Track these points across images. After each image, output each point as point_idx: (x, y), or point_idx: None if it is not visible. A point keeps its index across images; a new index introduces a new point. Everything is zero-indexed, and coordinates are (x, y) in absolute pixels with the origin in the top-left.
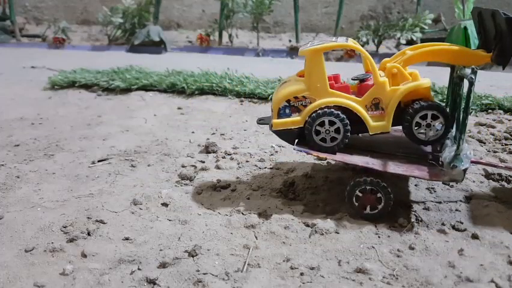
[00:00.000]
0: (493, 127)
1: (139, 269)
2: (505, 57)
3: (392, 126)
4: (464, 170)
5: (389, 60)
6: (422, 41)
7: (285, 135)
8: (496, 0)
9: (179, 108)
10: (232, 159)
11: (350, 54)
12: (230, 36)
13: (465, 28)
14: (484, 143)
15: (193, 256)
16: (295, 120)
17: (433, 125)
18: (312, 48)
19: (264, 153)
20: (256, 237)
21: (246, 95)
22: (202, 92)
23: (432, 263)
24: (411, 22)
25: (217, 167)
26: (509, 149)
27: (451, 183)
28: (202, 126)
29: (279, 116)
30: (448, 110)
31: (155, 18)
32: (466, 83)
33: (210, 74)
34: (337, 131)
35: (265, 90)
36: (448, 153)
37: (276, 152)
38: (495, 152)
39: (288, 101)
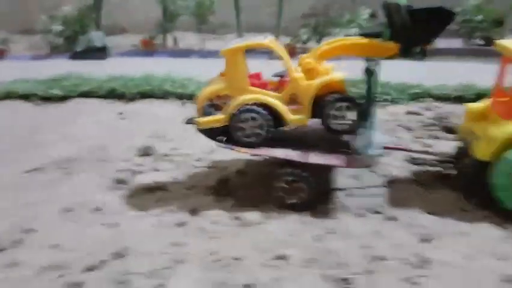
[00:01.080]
0: (421, 114)
1: (66, 274)
2: (410, 48)
3: (310, 118)
4: (376, 156)
5: (306, 56)
6: (361, 36)
7: (211, 133)
8: None
9: (119, 113)
10: (169, 160)
11: (291, 52)
12: (175, 39)
13: None
14: (411, 130)
15: (121, 258)
16: (219, 118)
17: (347, 116)
18: (229, 49)
19: (202, 153)
20: (185, 234)
21: (188, 97)
22: (143, 96)
23: (350, 245)
24: (348, 18)
25: (154, 169)
26: (434, 134)
27: (374, 170)
28: (142, 130)
29: (203, 115)
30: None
31: (97, 24)
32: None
33: (150, 78)
34: (259, 126)
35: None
36: (361, 141)
37: (214, 151)
38: (420, 138)
39: (211, 100)
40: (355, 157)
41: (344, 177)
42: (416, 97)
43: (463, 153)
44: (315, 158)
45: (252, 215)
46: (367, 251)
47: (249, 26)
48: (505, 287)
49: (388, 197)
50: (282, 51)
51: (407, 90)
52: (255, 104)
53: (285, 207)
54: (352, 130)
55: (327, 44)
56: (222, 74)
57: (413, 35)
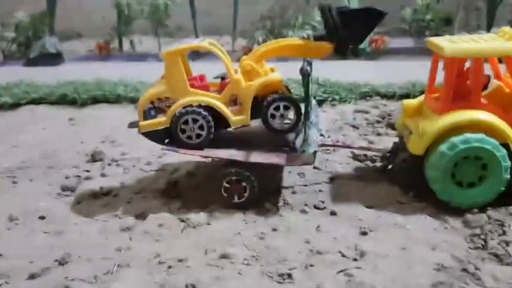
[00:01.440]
0: (368, 112)
1: (6, 282)
2: (343, 48)
3: (252, 119)
4: (314, 154)
5: (246, 58)
6: (315, 37)
7: (153, 136)
8: None
9: (70, 119)
10: (118, 165)
11: (248, 54)
12: (131, 43)
13: None
14: (358, 128)
15: (63, 264)
16: (161, 121)
17: (286, 115)
18: (167, 52)
19: (152, 156)
20: (130, 238)
21: None
22: (95, 101)
23: (291, 241)
24: (301, 20)
25: (102, 175)
26: (378, 131)
27: (318, 167)
28: (93, 135)
29: (145, 118)
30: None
31: (51, 30)
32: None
33: (103, 82)
34: (201, 128)
35: None
36: (299, 139)
37: (165, 154)
38: (366, 135)
39: (152, 102)
40: (295, 155)
41: (289, 175)
42: (365, 96)
43: (399, 148)
44: (257, 157)
45: (199, 216)
46: (307, 246)
47: (206, 29)
48: (438, 275)
49: (330, 193)
50: (222, 53)
51: (356, 89)
52: (196, 105)
53: (230, 206)
54: (292, 129)
55: (265, 45)
56: (163, 77)
57: (344, 34)
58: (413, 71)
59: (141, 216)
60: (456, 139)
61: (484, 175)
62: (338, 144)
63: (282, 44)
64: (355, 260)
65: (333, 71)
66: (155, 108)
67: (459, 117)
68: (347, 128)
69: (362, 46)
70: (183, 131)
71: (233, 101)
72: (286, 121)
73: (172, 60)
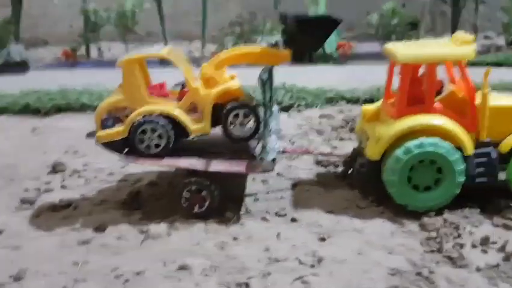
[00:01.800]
0: (333, 117)
1: None
2: (301, 54)
3: (213, 127)
4: (273, 161)
5: (206, 65)
6: (284, 43)
7: (112, 146)
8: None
9: (33, 129)
10: (79, 176)
11: None
12: (99, 49)
13: None
14: (323, 133)
15: (18, 280)
16: (119, 131)
17: (246, 123)
18: (124, 60)
19: (114, 166)
20: (88, 252)
21: None
22: (59, 110)
23: (251, 250)
24: (269, 26)
25: (63, 187)
26: (341, 136)
27: (282, 173)
28: (56, 145)
29: (103, 128)
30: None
31: (16, 37)
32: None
33: (67, 91)
34: (160, 137)
35: None
36: (260, 147)
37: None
38: (329, 140)
39: (110, 112)
40: (255, 163)
41: (253, 182)
42: (331, 101)
43: (359, 153)
44: (217, 166)
45: (159, 227)
46: (267, 254)
47: (177, 35)
48: (392, 280)
49: (292, 200)
50: (181, 61)
51: (322, 94)
52: (154, 114)
53: (191, 216)
54: (252, 136)
55: (225, 53)
56: (120, 86)
57: (301, 42)
58: (379, 75)
59: (100, 228)
60: (410, 144)
61: (439, 178)
62: (298, 150)
63: (241, 52)
64: (312, 266)
65: (301, 77)
66: (113, 118)
67: (413, 122)
68: (312, 133)
69: (329, 51)
70: (141, 141)
71: (192, 110)
72: (246, 128)
73: (129, 68)
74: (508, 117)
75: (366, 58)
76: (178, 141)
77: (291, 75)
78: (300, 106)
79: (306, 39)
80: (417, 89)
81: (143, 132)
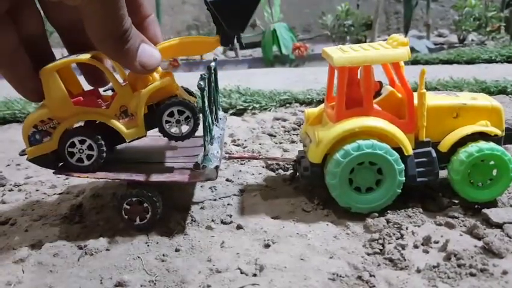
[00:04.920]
0: (286, 120)
1: None
2: (228, 38)
3: (150, 129)
4: (216, 168)
5: None
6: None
7: (43, 161)
8: (304, 1)
9: None
10: (20, 190)
11: (173, 64)
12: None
13: (274, 30)
14: (275, 136)
15: None
16: (47, 144)
17: (182, 120)
18: (43, 69)
19: (57, 179)
20: (23, 271)
21: None
22: (4, 121)
23: (193, 261)
24: None
25: (2, 202)
26: (292, 139)
27: (231, 179)
28: None
29: (31, 144)
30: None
31: None
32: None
33: (12, 101)
34: (90, 148)
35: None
36: (202, 155)
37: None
38: (281, 143)
39: (36, 126)
40: (198, 171)
41: (201, 190)
42: (284, 103)
43: (302, 157)
44: (158, 177)
45: (98, 242)
46: (208, 265)
47: None
48: (331, 285)
49: (239, 206)
50: (104, 65)
51: (276, 96)
52: (81, 124)
53: (132, 229)
54: (190, 134)
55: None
56: None
57: (223, 24)
58: None
59: (37, 246)
60: (349, 146)
61: (380, 179)
62: (245, 155)
63: (169, 44)
64: (254, 275)
65: (256, 79)
66: (40, 131)
67: (351, 125)
68: (264, 137)
69: (285, 53)
70: (71, 154)
71: (123, 113)
72: (183, 126)
73: (48, 77)
74: (446, 117)
75: (322, 59)
76: (112, 149)
77: (247, 79)
78: (255, 109)
79: (227, 20)
80: (356, 92)
81: (72, 145)
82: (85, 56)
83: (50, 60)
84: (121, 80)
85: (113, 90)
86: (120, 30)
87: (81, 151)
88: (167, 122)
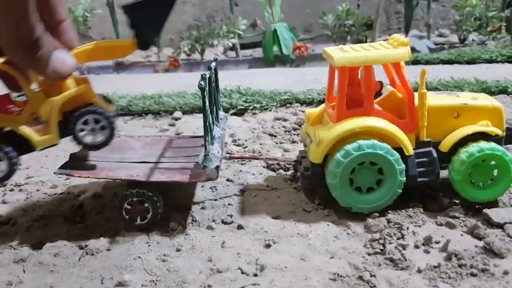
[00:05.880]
0: (287, 120)
1: None
2: (144, 42)
3: (63, 137)
4: (216, 168)
5: None
6: (242, 45)
7: None
8: (305, 1)
9: None
10: (21, 190)
11: (174, 65)
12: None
13: (275, 30)
14: (275, 136)
15: None
16: None
17: (97, 129)
18: None
19: (58, 179)
20: (24, 270)
21: None
22: None
23: (194, 261)
24: (225, 29)
25: (3, 202)
26: (293, 139)
27: (231, 179)
28: None
29: None
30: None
31: None
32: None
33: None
34: None
35: None
36: (201, 155)
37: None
38: (282, 143)
39: None
40: (198, 171)
41: (201, 190)
42: (285, 103)
43: (303, 156)
44: (158, 176)
45: (99, 242)
46: (209, 265)
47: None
48: (332, 285)
49: (239, 206)
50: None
51: (277, 96)
52: None
53: (133, 229)
54: (105, 143)
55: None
56: None
57: (140, 28)
58: None
59: (38, 245)
60: (349, 146)
61: (381, 179)
62: (245, 156)
63: (84, 49)
64: (255, 275)
65: (256, 79)
66: None
67: (352, 125)
68: (265, 137)
69: (286, 53)
70: None
71: (35, 120)
72: (99, 134)
73: None
74: (446, 117)
75: (322, 59)
76: (19, 156)
77: (247, 78)
78: (255, 109)
79: (141, 25)
80: (357, 92)
81: None
82: None
83: None
84: (35, 86)
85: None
86: (31, 38)
87: None
88: (82, 130)
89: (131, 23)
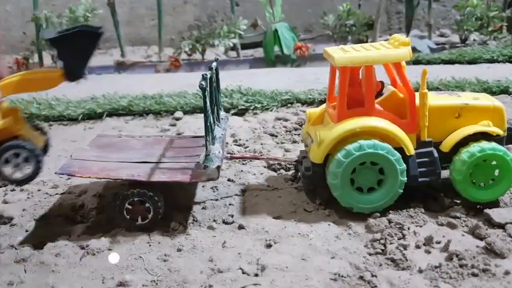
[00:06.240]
0: (288, 120)
1: None
2: (72, 73)
3: None
4: (217, 168)
5: None
6: (243, 46)
7: None
8: (306, 1)
9: None
10: (22, 190)
11: (175, 65)
12: (53, 57)
13: (276, 30)
14: (276, 136)
15: None
16: None
17: (22, 164)
18: None
19: (59, 179)
20: (25, 270)
21: (55, 118)
22: None
23: (194, 261)
24: (226, 29)
25: (4, 202)
26: (294, 139)
27: (232, 179)
28: None
29: None
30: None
31: None
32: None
33: (14, 101)
34: None
35: (75, 110)
36: (202, 155)
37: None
38: (283, 143)
39: None
40: (200, 171)
41: (202, 190)
42: (286, 103)
43: (304, 156)
44: (159, 176)
45: (100, 242)
46: (210, 265)
47: (134, 39)
48: (333, 285)
49: (240, 206)
50: None
51: (278, 96)
52: None
53: (134, 229)
54: (32, 177)
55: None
56: None
57: (67, 59)
58: None
59: (39, 245)
60: (350, 146)
61: (382, 179)
62: (246, 156)
63: (10, 81)
64: (256, 275)
65: (257, 79)
66: None
67: (353, 125)
68: (266, 137)
69: (287, 53)
70: None
71: None
72: (26, 169)
73: None
74: (447, 117)
75: (323, 59)
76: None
77: (248, 78)
78: (256, 109)
79: (68, 56)
80: (358, 92)
81: None
82: None
83: None
84: None
85: None
86: None
87: None
88: (5, 165)
89: (57, 55)
